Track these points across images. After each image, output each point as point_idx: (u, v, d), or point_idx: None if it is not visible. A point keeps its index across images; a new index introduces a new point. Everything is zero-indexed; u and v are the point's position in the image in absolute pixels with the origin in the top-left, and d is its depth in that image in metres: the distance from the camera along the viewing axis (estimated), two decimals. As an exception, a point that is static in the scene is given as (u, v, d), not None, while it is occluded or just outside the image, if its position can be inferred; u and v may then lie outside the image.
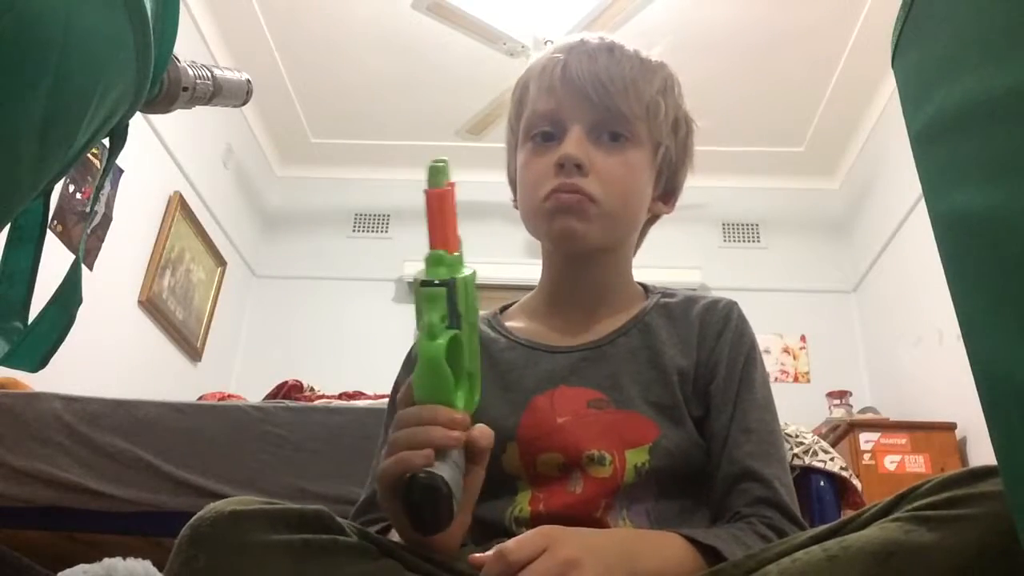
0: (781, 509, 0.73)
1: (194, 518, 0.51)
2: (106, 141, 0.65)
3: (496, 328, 0.89)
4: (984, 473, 0.50)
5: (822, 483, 1.61)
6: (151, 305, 3.30)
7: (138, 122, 2.55)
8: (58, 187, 2.60)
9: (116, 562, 1.26)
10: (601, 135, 0.81)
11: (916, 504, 0.51)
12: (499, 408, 0.79)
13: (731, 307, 0.87)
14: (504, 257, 4.29)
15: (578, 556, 0.54)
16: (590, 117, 0.81)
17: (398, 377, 0.88)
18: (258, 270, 4.39)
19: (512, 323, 0.90)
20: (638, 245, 0.93)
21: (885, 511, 0.54)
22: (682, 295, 0.89)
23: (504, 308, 0.94)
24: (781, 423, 0.84)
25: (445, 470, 0.56)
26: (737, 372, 0.80)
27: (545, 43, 3.24)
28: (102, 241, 2.97)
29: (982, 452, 2.84)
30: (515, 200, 0.93)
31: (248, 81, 0.87)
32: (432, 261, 0.62)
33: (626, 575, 0.57)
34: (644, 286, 0.91)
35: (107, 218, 3.01)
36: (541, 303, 0.91)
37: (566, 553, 0.54)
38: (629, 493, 0.73)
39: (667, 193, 0.90)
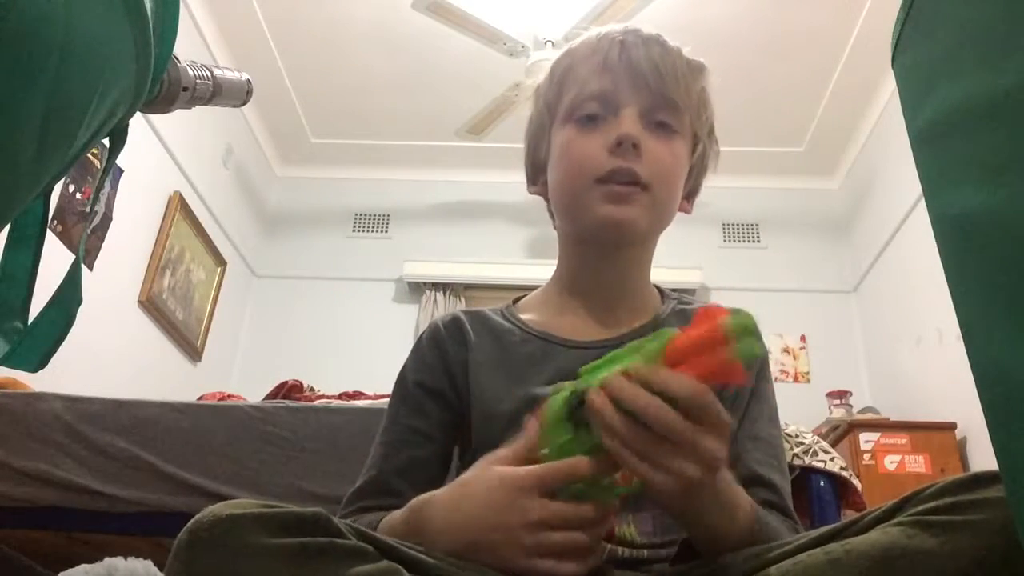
0: (786, 514, 0.75)
1: (191, 522, 0.51)
2: (106, 141, 0.65)
3: (510, 319, 0.87)
4: (988, 479, 0.50)
5: (822, 483, 1.61)
6: (151, 305, 3.30)
7: (138, 122, 2.56)
8: (58, 187, 2.60)
9: (117, 561, 1.26)
10: (651, 121, 0.80)
11: (919, 508, 0.51)
12: (509, 403, 0.78)
13: None
14: (504, 257, 4.30)
15: None
16: (644, 101, 0.79)
17: (406, 364, 0.87)
18: (258, 270, 4.39)
19: (526, 315, 0.88)
20: None
21: (887, 515, 0.54)
22: (698, 303, 0.89)
23: (517, 300, 0.93)
24: (781, 423, 0.85)
25: None
26: (749, 384, 0.81)
27: (545, 43, 3.24)
28: (102, 241, 2.98)
29: (982, 452, 2.84)
30: (532, 186, 0.91)
31: (248, 81, 0.87)
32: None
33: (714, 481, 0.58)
34: (660, 290, 0.91)
35: (107, 218, 3.01)
36: (557, 295, 0.89)
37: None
38: (635, 498, 0.73)
39: (690, 193, 0.89)
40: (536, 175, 0.90)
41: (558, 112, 0.84)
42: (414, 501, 0.66)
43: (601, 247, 0.83)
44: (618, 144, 0.77)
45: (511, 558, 0.57)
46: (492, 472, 0.60)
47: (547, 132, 0.86)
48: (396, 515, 0.68)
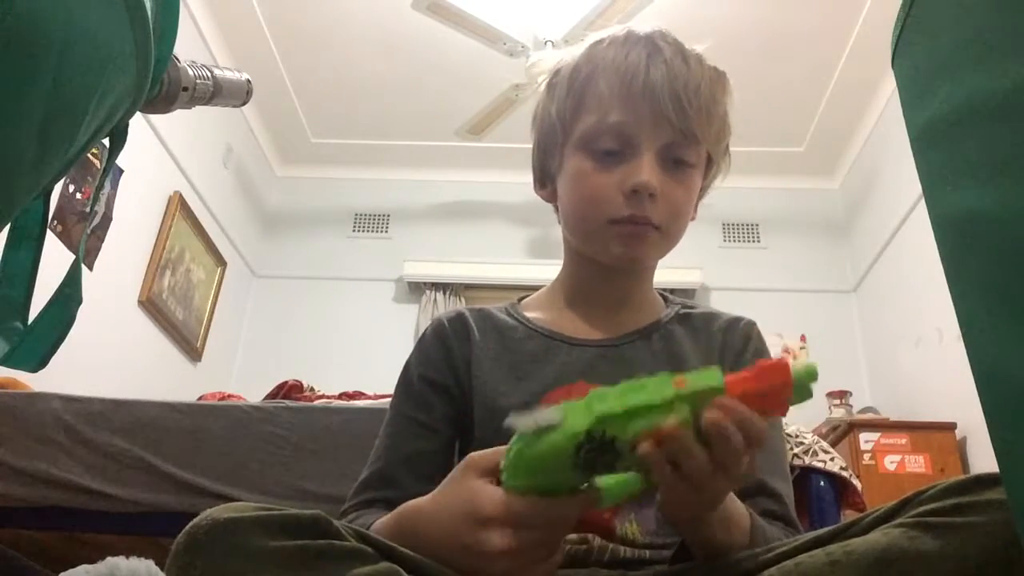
0: (789, 522, 0.75)
1: (189, 525, 0.51)
2: (106, 141, 0.65)
3: (515, 316, 0.88)
4: (989, 480, 0.50)
5: (822, 483, 1.61)
6: (151, 305, 3.30)
7: (138, 122, 2.56)
8: (58, 187, 2.60)
9: (119, 561, 1.26)
10: (669, 157, 0.78)
11: (920, 510, 0.52)
12: (513, 398, 0.78)
13: (751, 327, 0.87)
14: (504, 257, 4.30)
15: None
16: (664, 139, 0.77)
17: (410, 358, 0.87)
18: (258, 270, 4.39)
19: (531, 313, 0.89)
20: None
21: (888, 516, 0.54)
22: (702, 308, 0.90)
23: (522, 298, 0.93)
24: (781, 423, 0.85)
25: None
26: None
27: (545, 43, 3.24)
28: (102, 241, 2.97)
29: (982, 452, 2.84)
30: (541, 190, 0.91)
31: (248, 81, 0.87)
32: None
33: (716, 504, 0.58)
34: (663, 295, 0.91)
35: (107, 218, 3.01)
36: (562, 296, 0.89)
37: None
38: (639, 496, 0.73)
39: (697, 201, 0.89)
40: (544, 180, 0.89)
41: (573, 132, 0.81)
42: (399, 508, 0.66)
43: (607, 265, 0.84)
44: (634, 192, 0.76)
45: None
46: (464, 493, 0.58)
47: (559, 147, 0.84)
48: (386, 520, 0.67)
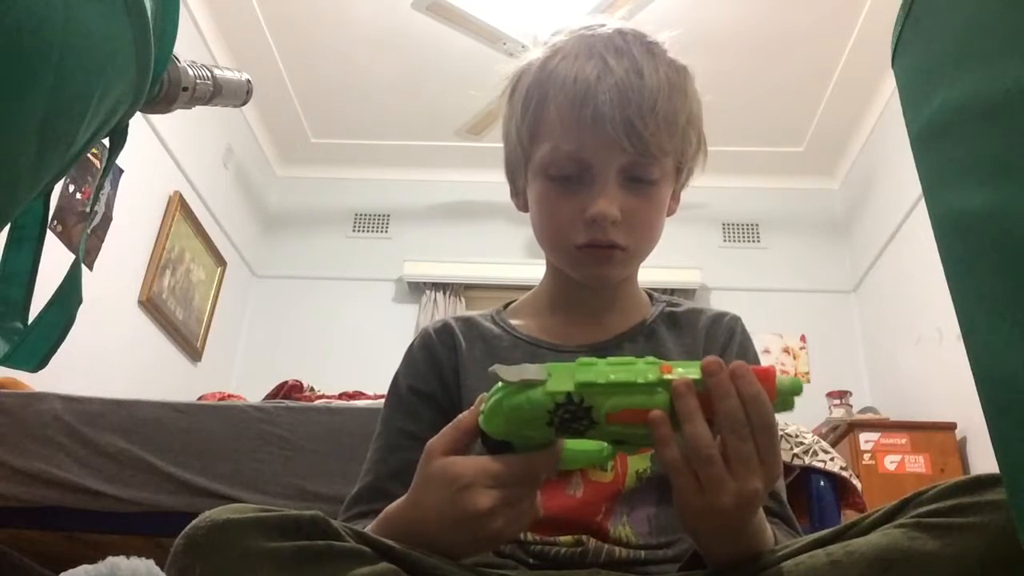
0: (786, 521, 0.74)
1: (188, 527, 0.51)
2: (106, 141, 0.65)
3: (500, 324, 0.88)
4: (989, 481, 0.50)
5: (822, 483, 1.61)
6: (151, 305, 3.30)
7: (138, 122, 2.56)
8: (58, 187, 2.60)
9: (119, 560, 1.26)
10: (630, 176, 0.77)
11: (920, 510, 0.52)
12: None
13: (736, 321, 0.87)
14: (504, 257, 4.30)
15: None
16: (622, 162, 0.75)
17: (398, 370, 0.87)
18: (258, 270, 4.39)
19: (516, 320, 0.89)
20: None
21: (889, 516, 0.54)
22: (687, 305, 0.89)
23: (507, 304, 0.93)
24: (781, 423, 0.85)
25: None
26: None
27: (545, 43, 3.23)
28: (102, 241, 2.98)
29: (982, 452, 2.84)
30: (515, 198, 0.90)
31: (248, 81, 0.87)
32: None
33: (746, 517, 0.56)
34: (649, 293, 0.91)
35: (107, 218, 3.01)
36: (545, 302, 0.89)
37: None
38: (630, 499, 0.73)
39: (674, 197, 0.88)
40: (516, 192, 0.89)
41: (532, 156, 0.81)
42: (382, 514, 0.66)
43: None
44: (594, 221, 0.76)
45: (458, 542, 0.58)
46: (435, 474, 0.59)
47: (523, 166, 0.84)
48: (372, 527, 0.67)
